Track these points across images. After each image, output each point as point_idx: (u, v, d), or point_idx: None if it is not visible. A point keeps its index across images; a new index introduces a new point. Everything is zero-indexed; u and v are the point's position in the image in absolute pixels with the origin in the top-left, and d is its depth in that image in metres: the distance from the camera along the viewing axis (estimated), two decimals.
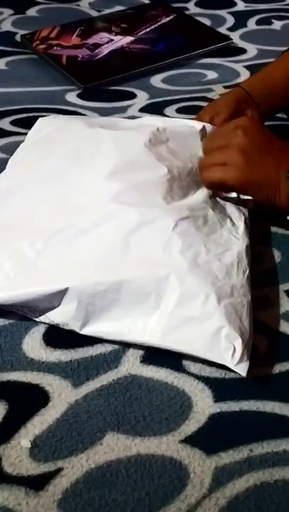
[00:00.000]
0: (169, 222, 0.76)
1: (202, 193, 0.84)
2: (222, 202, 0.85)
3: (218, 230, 0.80)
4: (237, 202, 0.86)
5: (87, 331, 0.73)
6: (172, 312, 0.71)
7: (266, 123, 1.04)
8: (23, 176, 0.87)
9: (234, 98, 0.96)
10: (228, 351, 0.68)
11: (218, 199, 0.85)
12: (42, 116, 1.10)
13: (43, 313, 0.75)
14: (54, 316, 0.74)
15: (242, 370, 0.67)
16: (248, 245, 0.80)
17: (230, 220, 0.83)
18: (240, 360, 0.67)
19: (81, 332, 0.73)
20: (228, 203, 0.85)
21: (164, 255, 0.74)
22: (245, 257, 0.77)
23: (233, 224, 0.82)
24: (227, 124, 0.89)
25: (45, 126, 0.97)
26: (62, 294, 0.73)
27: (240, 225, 0.82)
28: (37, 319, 0.75)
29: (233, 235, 0.80)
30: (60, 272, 0.74)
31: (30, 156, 0.91)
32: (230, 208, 0.85)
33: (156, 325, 0.71)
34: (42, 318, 0.75)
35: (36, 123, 1.00)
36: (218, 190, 0.85)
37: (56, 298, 0.73)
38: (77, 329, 0.73)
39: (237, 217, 0.84)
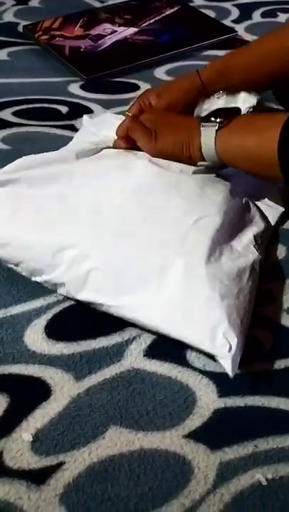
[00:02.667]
0: (192, 214, 0.76)
1: (231, 197, 0.83)
2: (252, 210, 0.83)
3: (240, 236, 0.79)
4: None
5: (84, 296, 0.73)
6: (173, 297, 0.70)
7: None
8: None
9: (188, 88, 0.95)
10: (224, 348, 0.66)
11: (250, 204, 0.84)
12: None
13: (43, 272, 0.75)
14: (53, 276, 0.74)
15: (232, 369, 0.65)
16: (262, 259, 0.78)
17: (255, 229, 0.81)
18: (233, 360, 0.66)
19: (77, 297, 0.73)
20: (257, 212, 0.84)
21: (179, 243, 0.73)
22: (258, 269, 0.76)
23: (256, 234, 0.80)
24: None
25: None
26: (68, 251, 0.73)
27: (262, 236, 0.81)
28: (33, 278, 0.76)
29: (252, 245, 0.78)
30: (71, 231, 0.75)
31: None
32: (258, 218, 0.83)
33: (155, 306, 0.70)
34: (38, 279, 0.75)
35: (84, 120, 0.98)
36: None
37: (62, 255, 0.73)
38: (73, 292, 0.73)
39: (262, 228, 0.82)
